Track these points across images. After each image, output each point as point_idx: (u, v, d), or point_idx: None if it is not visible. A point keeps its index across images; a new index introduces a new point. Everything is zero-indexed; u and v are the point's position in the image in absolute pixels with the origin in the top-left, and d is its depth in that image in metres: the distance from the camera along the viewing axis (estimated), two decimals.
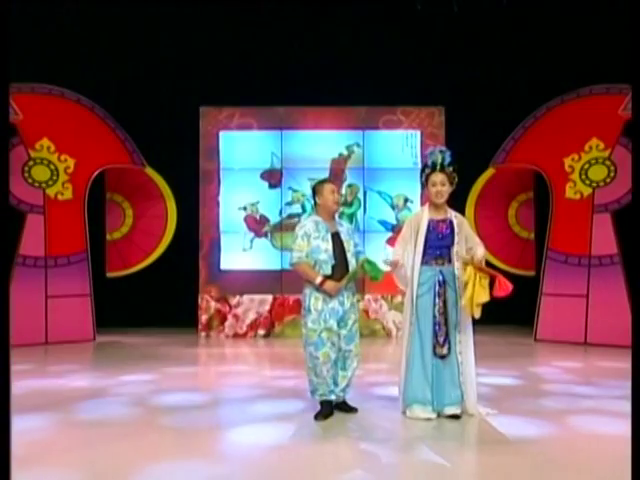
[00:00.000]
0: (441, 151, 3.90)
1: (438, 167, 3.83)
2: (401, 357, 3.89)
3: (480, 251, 3.82)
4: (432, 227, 3.82)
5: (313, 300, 3.74)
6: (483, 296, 3.60)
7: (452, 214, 3.91)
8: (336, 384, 3.84)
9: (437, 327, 3.75)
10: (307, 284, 3.80)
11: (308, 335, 3.73)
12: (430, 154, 3.92)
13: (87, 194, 7.68)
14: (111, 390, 4.66)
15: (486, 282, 3.64)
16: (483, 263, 3.79)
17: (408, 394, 3.78)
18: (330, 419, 3.73)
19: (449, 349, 3.74)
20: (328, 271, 3.74)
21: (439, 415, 3.74)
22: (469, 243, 3.88)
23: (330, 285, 3.70)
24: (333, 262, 3.75)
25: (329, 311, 3.73)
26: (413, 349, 3.78)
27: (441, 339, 3.73)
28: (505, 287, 3.62)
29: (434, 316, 3.75)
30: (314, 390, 3.81)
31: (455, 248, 3.80)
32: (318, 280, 3.69)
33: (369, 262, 3.77)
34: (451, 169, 3.85)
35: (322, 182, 3.97)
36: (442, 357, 3.73)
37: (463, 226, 3.89)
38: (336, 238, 3.83)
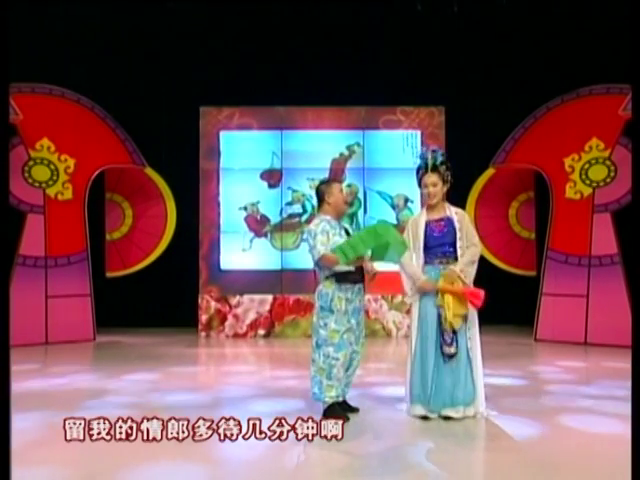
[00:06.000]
0: (433, 151, 3.90)
1: (430, 168, 3.83)
2: (407, 356, 3.89)
3: (461, 261, 3.72)
4: (430, 228, 3.82)
5: (336, 300, 3.63)
6: (460, 309, 3.62)
7: (452, 211, 3.88)
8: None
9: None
10: (328, 284, 3.67)
11: (330, 336, 3.61)
12: (422, 155, 3.96)
13: (87, 194, 7.68)
14: (111, 390, 4.66)
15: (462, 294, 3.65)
16: (464, 276, 3.68)
17: (410, 393, 3.78)
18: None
19: (457, 347, 3.67)
20: (352, 267, 3.66)
21: (440, 415, 3.70)
22: (467, 241, 3.80)
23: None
24: None
25: (351, 311, 3.69)
26: (415, 348, 3.78)
27: (448, 338, 3.67)
28: (475, 298, 3.63)
29: (439, 315, 3.71)
30: (323, 394, 3.65)
31: (459, 244, 3.77)
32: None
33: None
34: (444, 168, 3.85)
35: (329, 182, 3.94)
36: (450, 356, 3.67)
37: (464, 222, 3.84)
38: (347, 235, 3.79)
